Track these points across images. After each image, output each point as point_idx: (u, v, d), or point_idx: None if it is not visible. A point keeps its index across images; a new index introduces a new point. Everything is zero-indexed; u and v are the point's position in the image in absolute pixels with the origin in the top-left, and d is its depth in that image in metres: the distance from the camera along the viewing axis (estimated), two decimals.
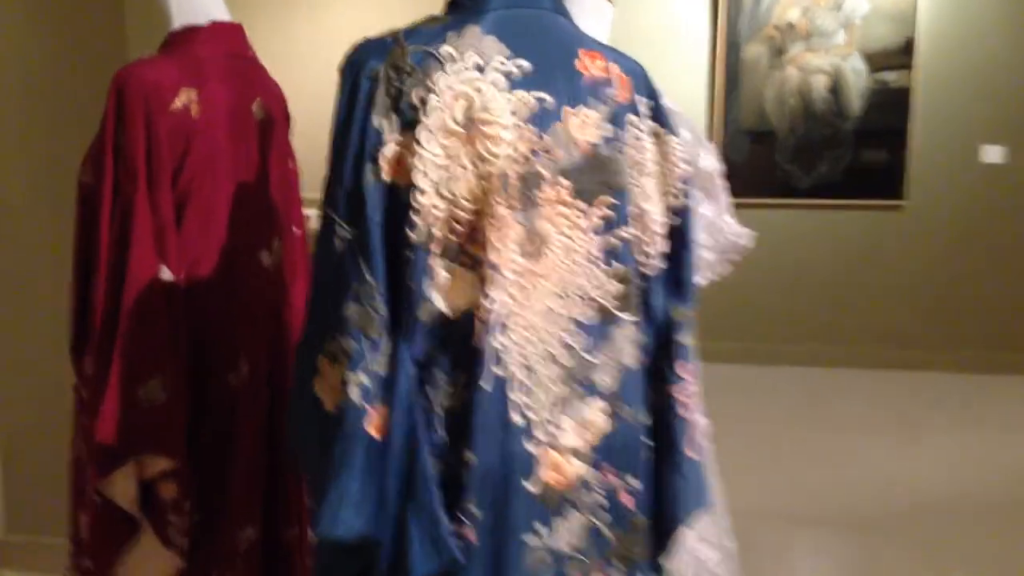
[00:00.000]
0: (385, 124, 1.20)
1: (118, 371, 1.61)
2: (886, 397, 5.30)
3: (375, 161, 1.19)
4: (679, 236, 1.41)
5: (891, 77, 5.67)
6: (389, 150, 1.20)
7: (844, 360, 5.88)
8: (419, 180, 1.18)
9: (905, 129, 5.68)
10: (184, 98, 1.71)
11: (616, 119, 1.31)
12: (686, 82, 5.86)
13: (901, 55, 5.64)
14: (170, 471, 1.67)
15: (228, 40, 1.83)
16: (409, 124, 1.19)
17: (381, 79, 1.20)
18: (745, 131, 5.87)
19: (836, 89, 5.72)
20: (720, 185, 1.84)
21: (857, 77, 5.69)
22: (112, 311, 1.62)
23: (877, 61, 5.67)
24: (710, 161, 1.81)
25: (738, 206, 1.90)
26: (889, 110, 5.68)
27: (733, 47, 5.83)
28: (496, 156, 1.20)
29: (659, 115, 1.39)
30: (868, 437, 4.61)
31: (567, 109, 1.27)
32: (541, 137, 1.25)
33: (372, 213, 1.19)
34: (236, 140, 1.82)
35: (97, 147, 1.69)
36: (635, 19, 5.78)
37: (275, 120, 1.91)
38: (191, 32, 1.78)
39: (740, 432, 4.52)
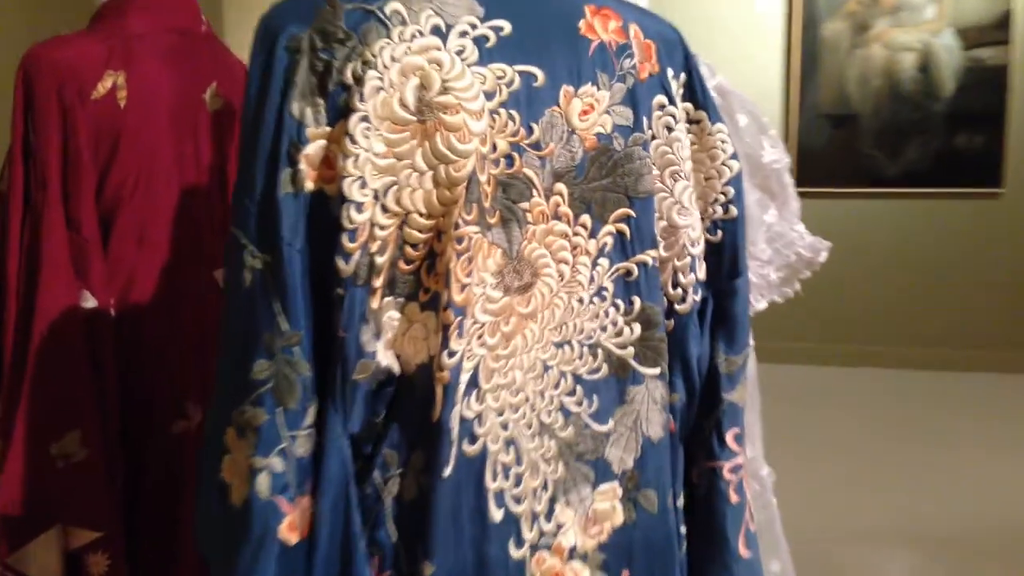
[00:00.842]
0: (308, 112, 0.87)
1: (25, 423, 1.32)
2: (982, 403, 4.82)
3: (293, 164, 0.87)
4: (726, 258, 1.06)
5: (987, 54, 5.17)
6: (313, 148, 0.87)
7: (936, 363, 5.40)
8: (353, 190, 0.86)
9: (1003, 111, 5.19)
10: (108, 83, 1.41)
11: (637, 101, 0.97)
12: (760, 63, 5.43)
13: (997, 30, 5.15)
14: (99, 541, 1.37)
15: (171, 11, 1.52)
16: (341, 111, 0.87)
17: (304, 50, 0.88)
18: (824, 115, 5.43)
19: (926, 68, 5.24)
20: (788, 184, 1.47)
21: (949, 54, 5.20)
22: (22, 347, 1.33)
23: (971, 37, 5.18)
24: (775, 154, 1.45)
25: (817, 195, 1.54)
26: (985, 90, 5.19)
27: (811, 24, 5.39)
28: (463, 155, 0.87)
29: (698, 95, 1.04)
30: (963, 447, 4.17)
31: (566, 89, 0.93)
32: (529, 128, 0.91)
33: (290, 235, 0.87)
34: (181, 135, 1.51)
35: (9, 148, 1.40)
36: None
37: (236, 111, 1.59)
38: (123, 2, 1.48)
39: (822, 443, 4.13)
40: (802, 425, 4.33)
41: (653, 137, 0.99)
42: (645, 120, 0.98)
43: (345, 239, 0.86)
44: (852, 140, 5.39)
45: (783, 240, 1.45)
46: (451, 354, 0.88)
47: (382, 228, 0.88)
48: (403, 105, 0.87)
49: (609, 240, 0.97)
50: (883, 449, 4.18)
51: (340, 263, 0.87)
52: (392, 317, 0.91)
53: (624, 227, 0.97)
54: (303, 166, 0.87)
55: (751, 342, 1.13)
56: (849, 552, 3.15)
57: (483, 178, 0.89)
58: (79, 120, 1.37)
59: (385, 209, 0.88)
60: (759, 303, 1.43)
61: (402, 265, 0.90)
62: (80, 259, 1.36)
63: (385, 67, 0.87)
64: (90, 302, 1.38)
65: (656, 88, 0.99)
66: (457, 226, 0.88)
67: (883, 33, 5.28)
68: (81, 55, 1.40)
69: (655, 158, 0.99)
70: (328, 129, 0.87)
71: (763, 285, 1.45)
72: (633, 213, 0.97)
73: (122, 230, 1.42)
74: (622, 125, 0.96)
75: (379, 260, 0.88)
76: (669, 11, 1.32)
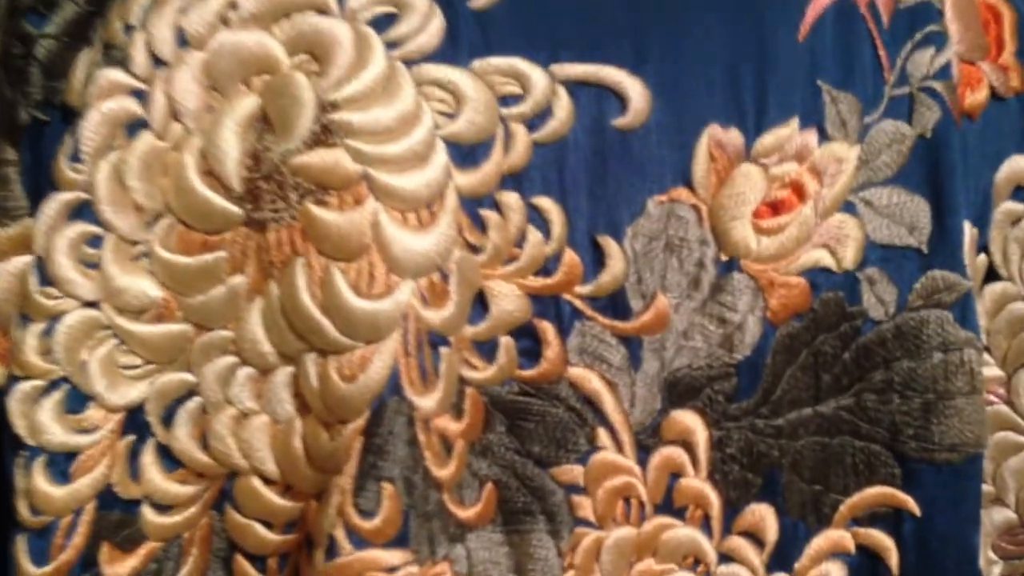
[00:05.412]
0: None
1: None
2: None
3: None
4: None
5: None
6: None
7: None
8: (42, 415, 0.34)
9: None
10: None
11: (947, 176, 0.37)
12: None
13: None
14: None
15: None
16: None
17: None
18: None
19: None
20: None
21: None
22: None
23: None
24: None
25: None
26: None
27: None
28: (368, 330, 0.32)
29: None
30: None
31: (717, 135, 0.34)
32: (592, 251, 0.34)
33: None
34: None
35: None
36: None
37: None
38: None
39: None
40: None
41: (991, 276, 0.39)
42: (967, 230, 0.37)
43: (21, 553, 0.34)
44: None
45: None
46: None
47: (163, 510, 0.35)
48: (208, 174, 0.32)
49: (831, 575, 0.37)
50: None
51: None
52: None
53: (885, 542, 0.37)
54: None
55: None
56: None
57: (425, 400, 0.32)
58: None
59: (169, 458, 0.34)
60: None
61: None
62: None
63: (155, 57, 0.33)
64: None
65: (1015, 138, 0.38)
66: (334, 548, 0.32)
67: None
68: None
69: (999, 345, 0.38)
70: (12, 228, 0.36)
71: None
72: (914, 506, 0.36)
73: None
74: (893, 246, 0.36)
75: None
76: None
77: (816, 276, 0.36)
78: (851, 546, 0.38)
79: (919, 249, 0.37)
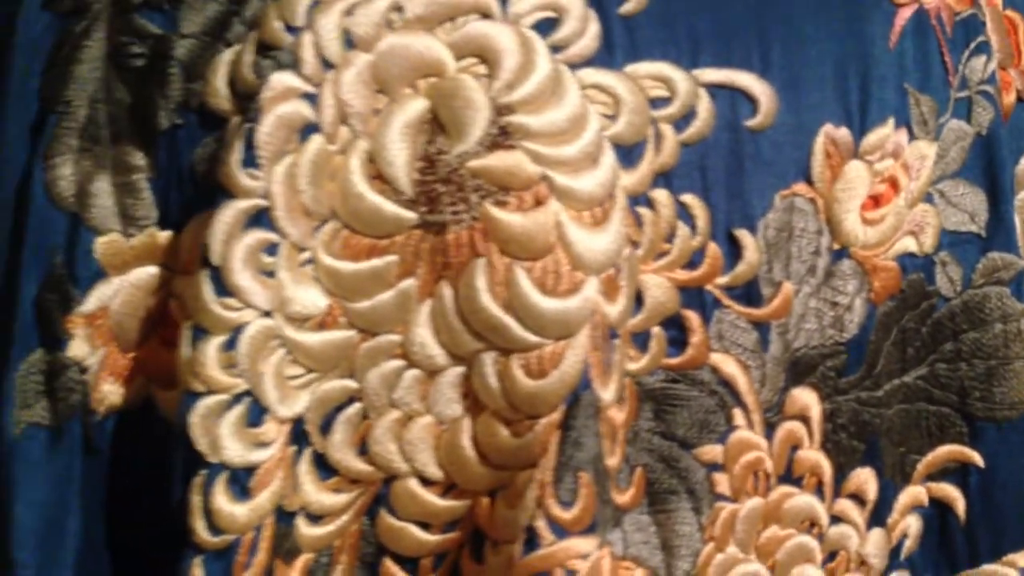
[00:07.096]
0: (100, 187, 0.33)
1: None
2: None
3: (53, 340, 0.33)
4: None
5: None
6: (112, 294, 0.33)
7: None
8: (223, 429, 0.32)
9: None
10: None
11: (1001, 166, 0.43)
12: None
13: None
14: None
15: None
16: (201, 185, 0.33)
17: (101, 13, 0.34)
18: None
19: None
20: None
21: None
22: None
23: None
24: None
25: None
26: None
27: None
28: (557, 326, 0.34)
29: None
30: None
31: (832, 133, 0.39)
32: (729, 244, 0.38)
33: (33, 550, 0.35)
34: None
35: None
36: None
37: None
38: None
39: None
40: None
41: None
42: (1015, 215, 0.43)
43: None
44: None
45: None
46: None
47: (316, 520, 0.34)
48: (377, 178, 0.33)
49: (911, 526, 0.42)
50: None
51: None
52: None
53: (954, 494, 0.42)
54: (82, 351, 0.34)
55: None
56: None
57: (607, 392, 0.34)
58: None
59: (323, 467, 0.34)
60: None
61: None
62: None
63: (324, 60, 0.32)
64: None
65: None
66: (534, 540, 0.33)
67: None
68: None
69: None
70: (160, 235, 0.34)
71: None
72: (979, 460, 0.42)
73: None
74: (959, 232, 0.41)
75: None
76: None
77: (904, 260, 0.40)
78: (926, 500, 0.43)
79: (979, 234, 0.42)
